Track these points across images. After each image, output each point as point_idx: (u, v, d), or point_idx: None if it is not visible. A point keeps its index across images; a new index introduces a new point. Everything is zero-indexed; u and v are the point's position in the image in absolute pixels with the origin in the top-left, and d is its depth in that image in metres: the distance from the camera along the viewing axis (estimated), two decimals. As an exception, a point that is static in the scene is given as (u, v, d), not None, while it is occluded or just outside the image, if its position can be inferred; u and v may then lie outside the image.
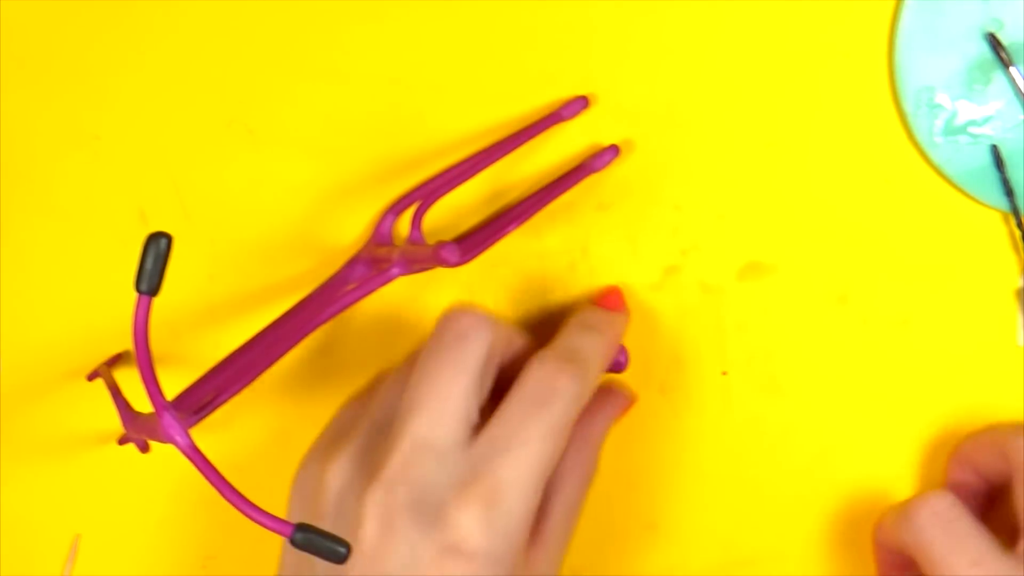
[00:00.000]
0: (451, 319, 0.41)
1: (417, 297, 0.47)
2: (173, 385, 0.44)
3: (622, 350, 0.45)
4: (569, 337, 0.42)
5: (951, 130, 0.45)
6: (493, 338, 0.41)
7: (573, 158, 0.46)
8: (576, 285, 0.47)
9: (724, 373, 0.47)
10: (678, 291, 0.46)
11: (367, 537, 0.38)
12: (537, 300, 0.47)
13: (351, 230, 0.46)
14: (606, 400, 0.45)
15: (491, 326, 0.41)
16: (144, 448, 0.46)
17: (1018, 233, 0.46)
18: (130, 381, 0.42)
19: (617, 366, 0.45)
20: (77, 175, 0.46)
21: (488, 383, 0.41)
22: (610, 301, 0.45)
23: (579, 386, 0.40)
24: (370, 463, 0.40)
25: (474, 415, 0.40)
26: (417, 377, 0.40)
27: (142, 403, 0.37)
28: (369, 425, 0.41)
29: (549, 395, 0.40)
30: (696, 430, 0.47)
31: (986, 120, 0.45)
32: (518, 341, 0.43)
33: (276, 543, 0.41)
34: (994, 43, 0.45)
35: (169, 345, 0.46)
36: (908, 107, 0.45)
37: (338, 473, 0.40)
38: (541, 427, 0.39)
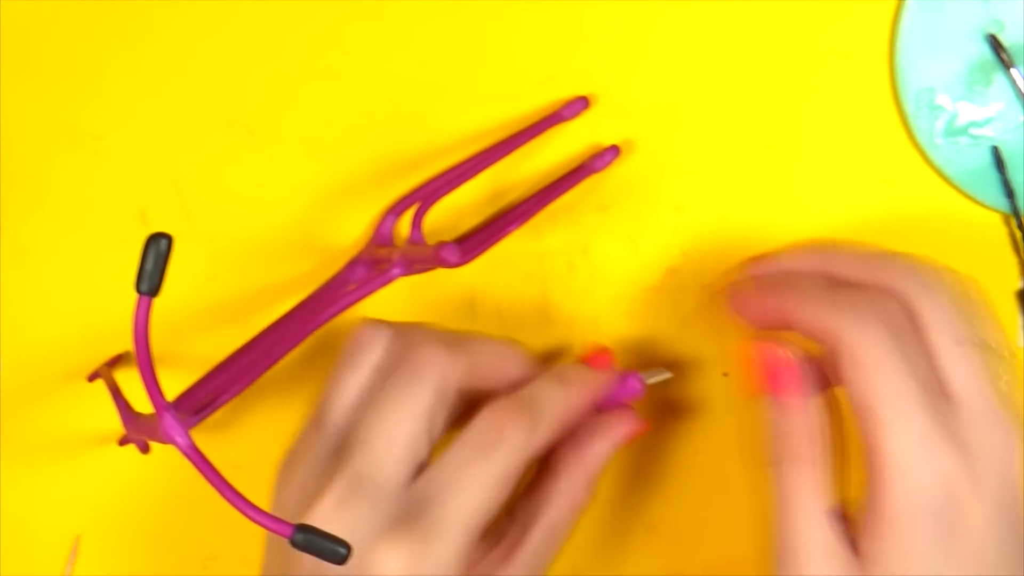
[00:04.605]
0: (409, 350, 0.40)
1: (417, 298, 0.46)
2: (173, 385, 0.44)
3: (639, 378, 0.44)
4: (534, 386, 0.41)
5: (952, 131, 0.45)
6: (450, 375, 0.40)
7: (573, 158, 0.46)
8: (576, 285, 0.47)
9: (725, 374, 0.47)
10: (678, 292, 0.46)
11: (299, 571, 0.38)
12: (537, 300, 0.47)
13: (351, 231, 0.46)
14: (609, 424, 0.43)
15: (447, 364, 0.40)
16: (144, 449, 0.46)
17: (1019, 234, 0.46)
18: (130, 382, 0.42)
19: (632, 392, 0.44)
20: (77, 175, 0.46)
21: (442, 419, 0.40)
22: (596, 361, 0.44)
23: (525, 436, 0.39)
24: (313, 492, 0.39)
25: (422, 453, 0.39)
26: (370, 413, 0.40)
27: (142, 404, 0.37)
28: (322, 445, 0.41)
29: (493, 443, 0.39)
30: (697, 431, 0.47)
31: (987, 121, 0.45)
32: (494, 363, 0.42)
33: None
34: (995, 44, 0.44)
35: (169, 345, 0.46)
36: (909, 108, 0.45)
37: (288, 497, 0.40)
38: (481, 475, 0.39)
